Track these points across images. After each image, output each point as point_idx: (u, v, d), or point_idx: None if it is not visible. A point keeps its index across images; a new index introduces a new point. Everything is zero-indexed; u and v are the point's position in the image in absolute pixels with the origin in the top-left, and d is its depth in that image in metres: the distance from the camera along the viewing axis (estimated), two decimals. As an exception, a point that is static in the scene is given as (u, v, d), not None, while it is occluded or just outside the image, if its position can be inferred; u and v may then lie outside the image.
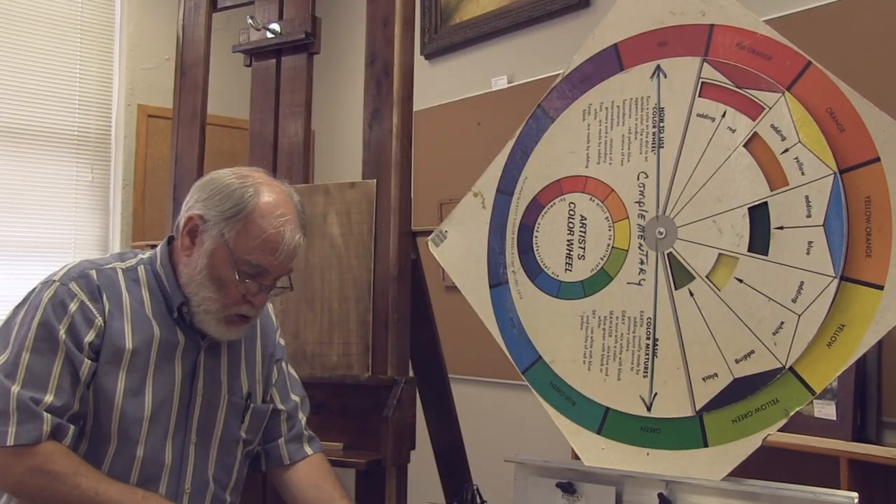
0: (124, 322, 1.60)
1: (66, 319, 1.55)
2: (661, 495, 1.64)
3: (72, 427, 1.53)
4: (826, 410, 2.69)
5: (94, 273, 1.62)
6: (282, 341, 1.91)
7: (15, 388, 1.49)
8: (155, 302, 1.66)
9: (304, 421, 1.88)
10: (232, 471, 1.74)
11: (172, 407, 1.64)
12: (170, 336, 1.65)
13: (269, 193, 1.63)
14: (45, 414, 1.49)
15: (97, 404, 1.57)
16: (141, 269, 1.69)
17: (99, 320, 1.57)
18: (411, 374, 2.28)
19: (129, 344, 1.59)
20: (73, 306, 1.56)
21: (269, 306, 1.91)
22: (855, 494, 1.49)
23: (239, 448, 1.75)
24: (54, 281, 1.59)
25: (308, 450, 1.85)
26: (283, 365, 1.89)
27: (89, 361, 1.55)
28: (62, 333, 1.54)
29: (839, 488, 1.95)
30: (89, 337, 1.56)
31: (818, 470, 2.73)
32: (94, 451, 1.58)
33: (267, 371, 1.83)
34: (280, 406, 1.85)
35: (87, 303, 1.57)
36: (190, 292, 1.63)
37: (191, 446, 1.66)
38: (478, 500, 1.79)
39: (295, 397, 1.89)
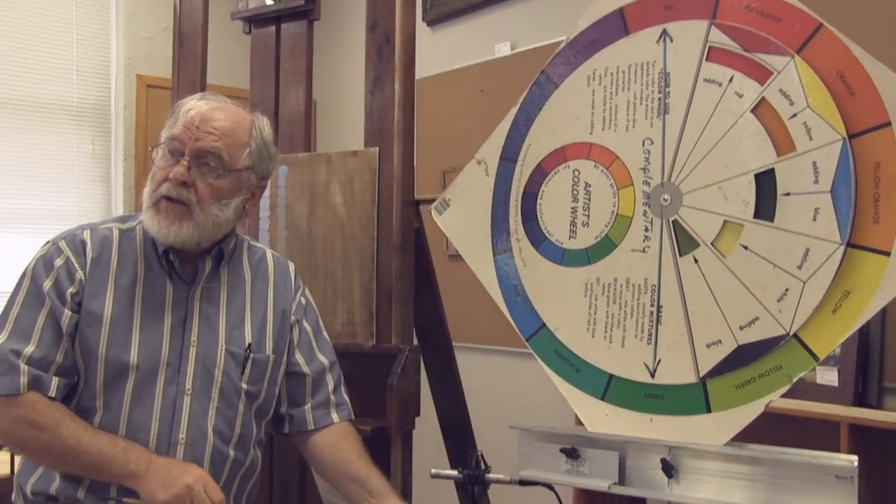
0: (108, 276, 1.66)
1: (52, 274, 1.63)
2: (664, 460, 1.64)
3: (56, 379, 1.59)
4: (828, 377, 2.70)
5: (86, 233, 1.70)
6: (303, 300, 1.88)
7: (0, 340, 1.58)
8: (147, 257, 1.70)
9: (331, 386, 1.86)
10: (234, 424, 1.72)
11: (161, 357, 1.65)
12: (158, 287, 1.68)
13: (206, 95, 1.74)
14: (22, 366, 1.56)
15: (84, 357, 1.62)
16: (138, 229, 1.73)
17: (80, 274, 1.64)
18: (415, 342, 2.29)
19: (109, 297, 1.64)
20: (58, 262, 1.64)
21: (291, 266, 1.91)
22: (854, 458, 1.50)
23: (241, 400, 1.73)
24: (48, 242, 1.69)
25: (335, 416, 1.83)
26: (306, 325, 1.86)
27: (70, 312, 1.61)
28: (48, 287, 1.61)
29: (839, 453, 1.96)
30: (72, 289, 1.62)
31: (818, 435, 2.75)
32: (85, 403, 1.62)
33: (280, 327, 1.81)
34: (305, 369, 1.83)
35: (72, 258, 1.65)
36: (146, 219, 1.68)
37: (185, 397, 1.66)
38: (482, 467, 1.80)
39: (322, 359, 1.86)
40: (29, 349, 1.57)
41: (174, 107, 1.72)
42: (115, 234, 1.71)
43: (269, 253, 1.89)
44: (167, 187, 1.63)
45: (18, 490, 1.69)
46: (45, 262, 1.64)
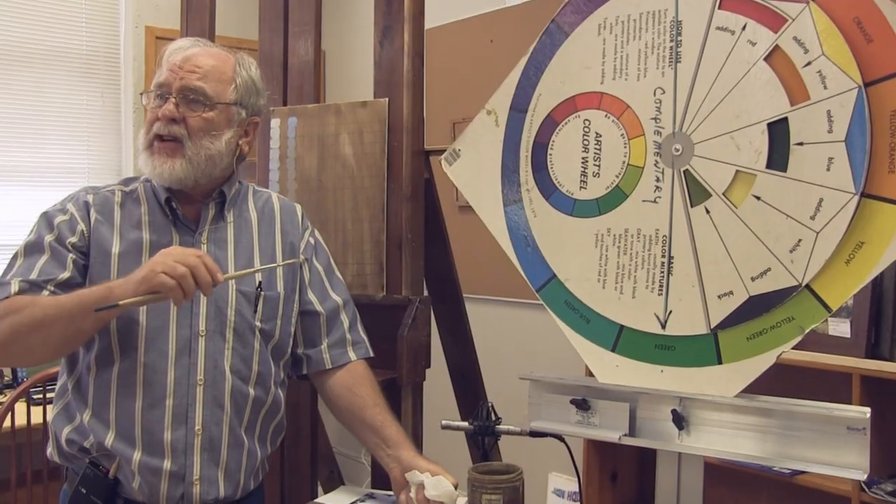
0: (113, 231, 1.69)
1: (54, 231, 1.66)
2: (674, 412, 1.65)
3: (49, 290, 1.61)
4: (841, 328, 2.70)
5: (89, 195, 1.73)
6: (312, 240, 1.90)
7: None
8: (150, 212, 1.73)
9: (347, 324, 1.88)
10: (251, 362, 1.74)
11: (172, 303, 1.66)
12: (163, 237, 1.71)
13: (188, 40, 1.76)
14: (12, 280, 1.60)
15: None
16: (140, 188, 1.76)
17: (81, 226, 1.67)
18: (426, 293, 2.29)
19: (115, 248, 1.67)
20: (60, 219, 1.68)
21: (298, 207, 1.91)
22: (867, 409, 1.50)
23: (256, 338, 1.75)
24: (55, 204, 1.72)
25: (352, 355, 1.86)
26: (317, 264, 1.88)
27: (73, 255, 1.65)
28: (49, 240, 1.65)
29: (851, 405, 1.96)
30: (72, 239, 1.66)
31: (830, 387, 2.76)
32: (103, 353, 1.65)
33: (291, 266, 1.83)
34: (318, 308, 1.85)
35: (75, 214, 1.68)
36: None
37: (199, 338, 1.69)
38: (493, 418, 1.81)
39: (336, 298, 1.88)
40: (22, 278, 1.61)
41: (160, 53, 1.75)
42: (118, 195, 1.75)
43: (274, 196, 1.91)
44: (158, 126, 1.68)
45: (53, 438, 1.73)
46: (48, 220, 1.68)
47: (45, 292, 1.60)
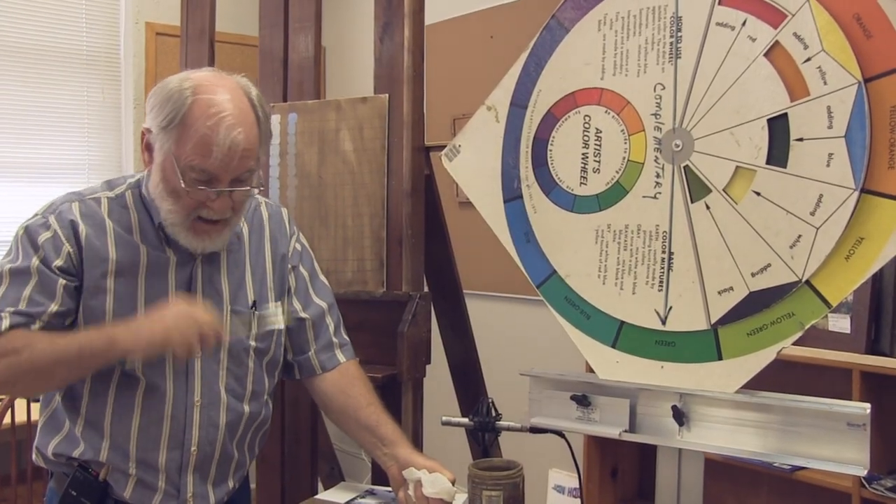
0: (107, 245, 1.62)
1: (39, 252, 1.58)
2: (674, 407, 1.65)
3: (40, 324, 1.55)
4: (841, 324, 2.70)
5: (74, 205, 1.63)
6: (298, 246, 1.87)
7: None
8: (143, 224, 1.66)
9: (332, 327, 1.87)
10: (245, 381, 1.74)
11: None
12: (159, 255, 1.65)
13: (206, 92, 1.55)
14: (3, 313, 1.53)
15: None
16: (128, 195, 1.68)
17: (67, 247, 1.59)
18: (426, 289, 2.29)
19: (111, 266, 1.61)
20: (43, 237, 1.59)
21: (284, 211, 1.89)
22: (867, 405, 1.50)
23: (250, 357, 1.74)
24: (36, 215, 1.63)
25: (340, 357, 1.85)
26: (302, 271, 1.86)
27: (63, 281, 1.58)
28: (35, 263, 1.57)
29: (851, 400, 1.96)
30: (58, 262, 1.58)
31: (830, 382, 2.76)
32: (102, 372, 1.61)
33: (280, 277, 1.81)
34: (303, 314, 1.84)
35: (59, 231, 1.59)
36: (157, 207, 1.62)
37: (196, 360, 1.67)
38: (493, 414, 1.81)
39: (320, 303, 1.86)
40: (13, 308, 1.54)
41: (177, 108, 1.55)
42: (105, 204, 1.66)
43: (263, 203, 1.86)
44: (209, 213, 1.60)
45: (38, 453, 1.72)
46: (30, 239, 1.59)
47: (37, 324, 1.55)
